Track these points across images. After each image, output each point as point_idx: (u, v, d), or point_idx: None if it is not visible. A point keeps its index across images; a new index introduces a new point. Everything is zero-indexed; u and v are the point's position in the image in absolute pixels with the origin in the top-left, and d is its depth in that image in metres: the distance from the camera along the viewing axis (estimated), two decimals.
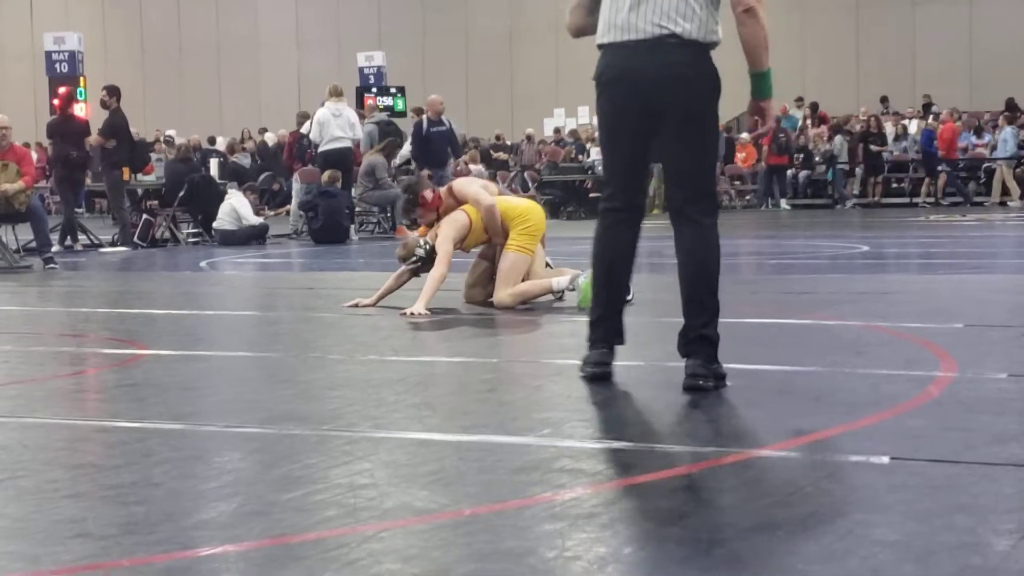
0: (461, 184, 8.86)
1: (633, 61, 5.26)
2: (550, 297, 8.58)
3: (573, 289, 8.22)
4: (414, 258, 8.49)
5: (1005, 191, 24.75)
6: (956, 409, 4.60)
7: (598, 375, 5.28)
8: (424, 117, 18.59)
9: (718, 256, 5.24)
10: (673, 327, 7.52)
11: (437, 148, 18.65)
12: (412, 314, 7.99)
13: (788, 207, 26.01)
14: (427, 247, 8.45)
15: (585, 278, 8.08)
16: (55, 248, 16.28)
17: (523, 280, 8.44)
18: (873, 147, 25.82)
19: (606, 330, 5.35)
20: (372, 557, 2.98)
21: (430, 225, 8.73)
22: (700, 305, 5.17)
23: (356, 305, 8.57)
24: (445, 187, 8.86)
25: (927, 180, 25.51)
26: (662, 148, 5.30)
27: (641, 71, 5.24)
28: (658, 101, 5.20)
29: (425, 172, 11.42)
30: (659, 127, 5.23)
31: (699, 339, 5.11)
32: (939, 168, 25.24)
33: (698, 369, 5.03)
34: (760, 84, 5.46)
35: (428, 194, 8.62)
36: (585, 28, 5.59)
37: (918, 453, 3.87)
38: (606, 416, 4.72)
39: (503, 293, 8.33)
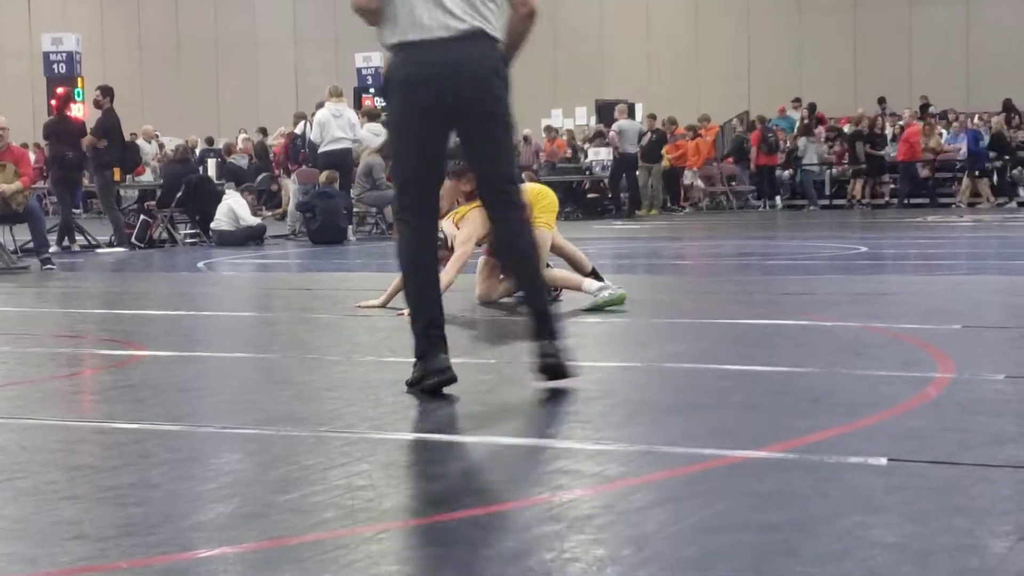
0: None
1: (444, 57, 5.08)
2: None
3: (597, 295, 8.14)
4: None
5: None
6: (954, 410, 4.61)
7: (449, 379, 5.11)
8: None
9: (533, 238, 5.37)
10: (670, 328, 7.56)
11: None
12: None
13: (781, 206, 26.06)
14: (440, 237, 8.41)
15: (612, 292, 8.06)
16: (53, 249, 16.28)
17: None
18: (873, 149, 25.65)
19: (437, 335, 5.19)
20: (370, 559, 2.98)
21: (457, 199, 8.81)
22: (533, 286, 5.28)
23: (367, 306, 8.54)
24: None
25: (973, 180, 25.17)
26: (472, 146, 5.29)
27: (454, 68, 5.08)
28: (467, 98, 5.11)
29: None
30: (466, 125, 5.19)
31: (541, 317, 5.15)
32: (985, 166, 25.15)
33: (548, 348, 5.08)
34: None
35: (471, 184, 8.66)
36: (374, 15, 5.17)
37: (916, 455, 3.87)
38: (604, 417, 4.72)
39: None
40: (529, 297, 5.32)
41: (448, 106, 5.11)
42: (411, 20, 5.10)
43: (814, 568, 2.83)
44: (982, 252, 13.56)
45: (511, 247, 5.39)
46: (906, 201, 24.93)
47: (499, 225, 5.41)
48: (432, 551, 3.05)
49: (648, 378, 5.69)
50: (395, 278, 8.68)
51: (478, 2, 5.12)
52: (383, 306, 8.52)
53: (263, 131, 30.51)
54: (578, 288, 8.32)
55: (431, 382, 5.10)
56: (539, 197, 8.62)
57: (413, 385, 5.17)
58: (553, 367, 5.06)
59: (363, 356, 6.53)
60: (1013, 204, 24.54)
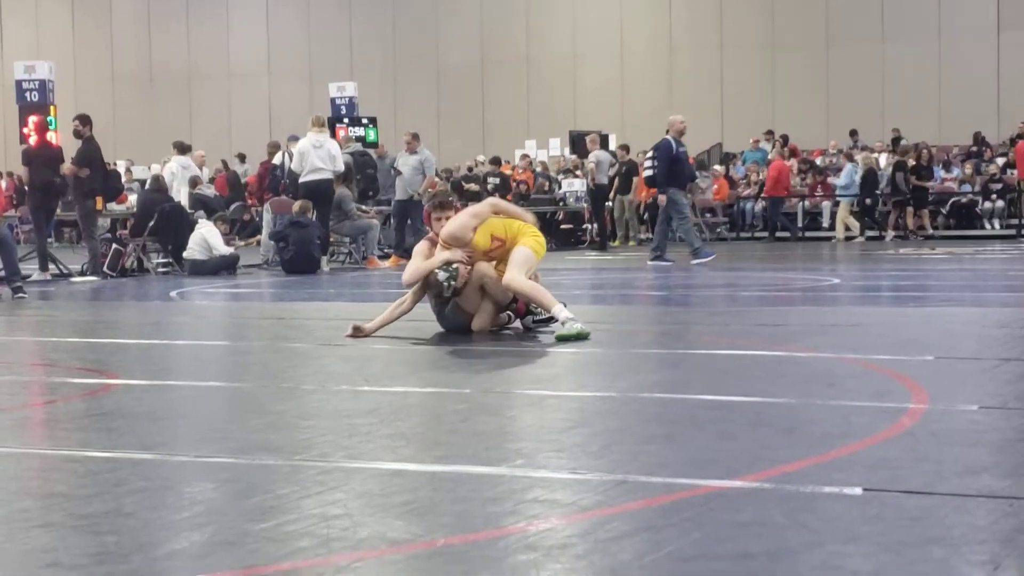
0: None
1: None
2: (519, 326, 8.62)
3: (564, 323, 8.11)
4: (446, 280, 8.41)
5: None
6: (928, 441, 4.62)
7: None
8: (670, 138, 18.04)
9: None
10: (645, 358, 7.56)
11: (687, 168, 18.88)
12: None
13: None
14: (453, 274, 8.38)
15: (580, 326, 8.02)
16: (40, 276, 16.27)
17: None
18: (920, 180, 25.19)
19: None
20: None
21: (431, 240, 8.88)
22: None
23: (359, 330, 8.50)
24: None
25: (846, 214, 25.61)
26: None
27: None
28: None
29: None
30: None
31: None
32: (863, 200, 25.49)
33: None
34: None
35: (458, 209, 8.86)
36: None
37: (891, 484, 3.88)
38: (579, 447, 4.71)
39: (518, 274, 8.36)
40: None
41: None
42: None
43: None
44: (954, 284, 13.63)
45: None
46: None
47: None
48: None
49: (624, 408, 5.69)
50: (387, 307, 8.68)
51: None
52: (370, 334, 8.49)
53: (241, 157, 30.49)
54: (550, 310, 8.28)
55: None
56: (529, 228, 8.73)
57: None
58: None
59: (337, 385, 6.51)
60: (875, 236, 25.19)
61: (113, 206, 18.89)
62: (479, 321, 8.57)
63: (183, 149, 21.19)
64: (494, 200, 9.47)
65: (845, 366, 6.77)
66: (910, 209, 25.23)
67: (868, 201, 25.29)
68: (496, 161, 26.76)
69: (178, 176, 20.27)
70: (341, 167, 18.32)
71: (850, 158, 26.51)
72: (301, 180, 17.80)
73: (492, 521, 3.58)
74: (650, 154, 18.69)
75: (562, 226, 25.34)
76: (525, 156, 29.12)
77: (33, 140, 18.26)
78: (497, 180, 25.41)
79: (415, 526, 3.53)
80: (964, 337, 8.23)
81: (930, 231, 25.27)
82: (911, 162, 25.37)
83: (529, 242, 8.55)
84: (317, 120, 18.34)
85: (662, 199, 18.05)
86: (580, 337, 7.94)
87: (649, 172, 18.49)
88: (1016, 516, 3.51)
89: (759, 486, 3.92)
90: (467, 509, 3.73)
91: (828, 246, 23.79)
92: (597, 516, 3.61)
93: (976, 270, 16.20)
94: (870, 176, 25.51)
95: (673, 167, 17.97)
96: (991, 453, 4.43)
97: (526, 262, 8.45)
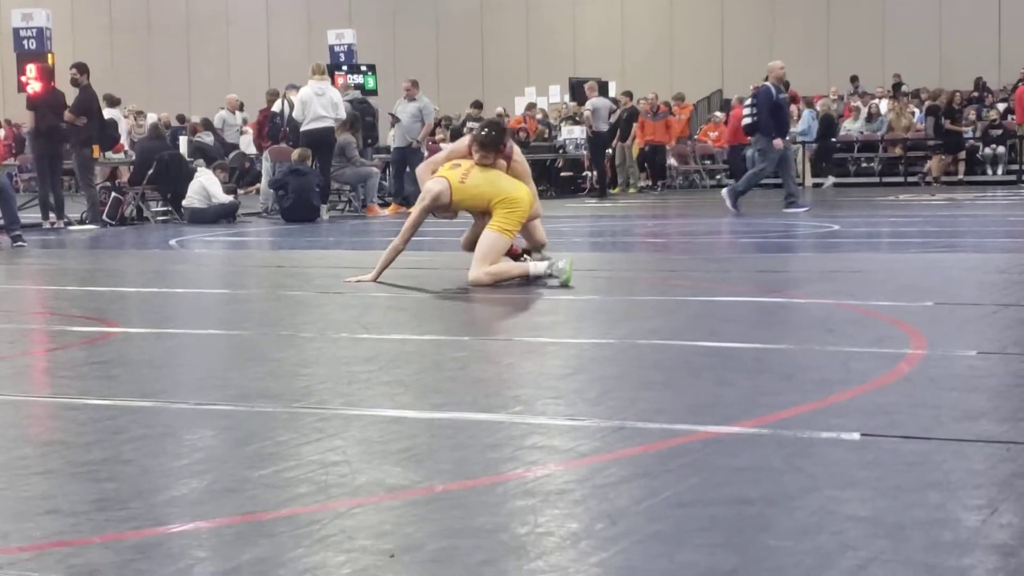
0: (520, 158, 8.93)
1: None
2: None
3: (551, 275, 8.16)
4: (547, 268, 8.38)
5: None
6: (926, 386, 4.63)
7: None
8: (770, 84, 17.46)
9: None
10: (643, 305, 7.56)
11: (787, 116, 18.19)
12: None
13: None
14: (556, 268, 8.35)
15: (565, 263, 8.07)
16: (56, 223, 16.28)
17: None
18: (953, 125, 24.98)
19: None
20: (344, 533, 2.98)
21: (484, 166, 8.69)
22: None
23: (358, 281, 8.50)
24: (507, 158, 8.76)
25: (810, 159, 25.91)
26: None
27: None
28: None
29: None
30: None
31: None
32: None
33: None
34: None
35: (509, 145, 8.63)
36: None
37: (889, 430, 3.89)
38: (577, 393, 4.72)
39: (479, 271, 8.30)
40: None
41: None
42: None
43: (788, 542, 2.83)
44: (954, 230, 13.61)
45: None
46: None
47: None
48: (406, 526, 3.05)
49: (622, 354, 5.69)
50: (382, 253, 8.67)
51: None
52: (374, 281, 8.49)
53: (240, 105, 30.33)
54: (526, 274, 8.27)
55: None
56: (509, 202, 8.46)
57: None
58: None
59: (336, 333, 6.51)
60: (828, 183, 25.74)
61: (109, 154, 18.81)
62: (473, 272, 8.48)
63: (112, 102, 21.04)
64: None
65: (844, 312, 6.77)
66: (937, 156, 25.06)
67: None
68: (478, 105, 26.49)
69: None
70: (343, 115, 18.24)
71: (809, 105, 26.76)
72: (303, 128, 17.72)
73: (490, 467, 3.60)
74: (749, 101, 18.09)
75: (562, 173, 25.28)
76: (533, 105, 28.93)
77: (32, 88, 18.15)
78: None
79: (413, 473, 3.54)
80: (963, 283, 8.23)
81: (960, 176, 25.14)
82: (943, 106, 25.06)
83: (497, 223, 8.43)
84: (318, 68, 18.24)
85: (779, 143, 17.19)
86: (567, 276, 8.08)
87: (748, 120, 17.73)
88: (1013, 461, 3.52)
89: (757, 432, 3.93)
90: (465, 456, 3.74)
91: (818, 192, 23.75)
92: (595, 462, 3.62)
93: (976, 216, 16.18)
94: (827, 122, 25.57)
95: (773, 114, 17.28)
96: (989, 398, 4.44)
97: (491, 251, 8.37)
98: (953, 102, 25.26)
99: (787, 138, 17.82)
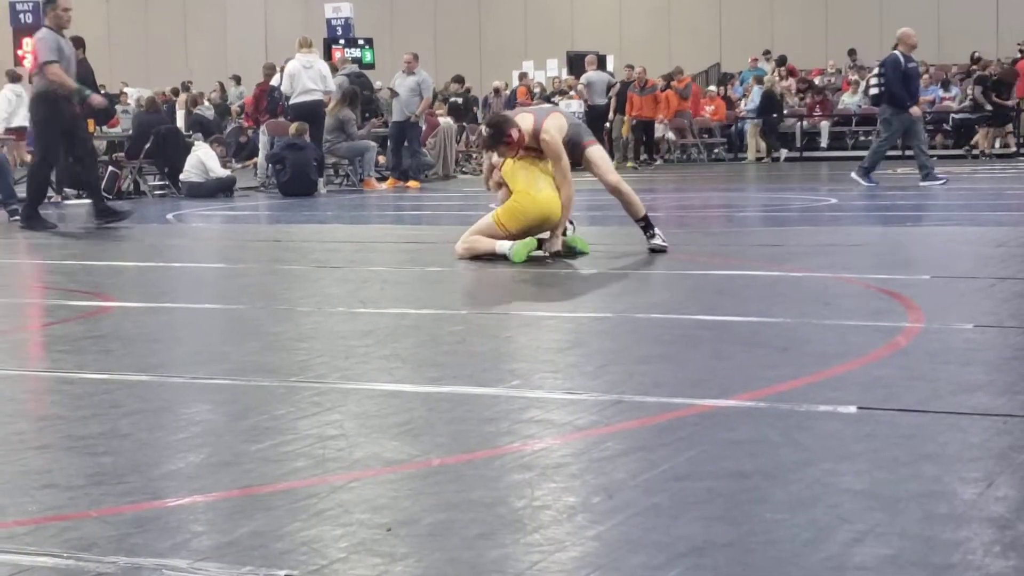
0: (551, 139, 8.45)
1: None
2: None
3: (505, 255, 8.13)
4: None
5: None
6: (923, 359, 4.63)
7: None
8: (899, 52, 16.44)
9: None
10: (641, 279, 7.57)
11: (916, 86, 17.16)
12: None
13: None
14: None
15: (521, 243, 8.05)
16: (54, 197, 16.22)
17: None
18: (1000, 98, 24.50)
19: None
20: (341, 507, 2.98)
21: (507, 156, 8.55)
22: None
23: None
24: (532, 130, 8.41)
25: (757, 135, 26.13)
26: None
27: None
28: None
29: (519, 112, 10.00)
30: None
31: None
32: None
33: None
34: None
35: (515, 133, 8.40)
36: None
37: (885, 403, 3.89)
38: (575, 367, 4.72)
39: (459, 242, 8.34)
40: None
41: None
42: None
43: (784, 515, 2.84)
44: (951, 204, 13.60)
45: None
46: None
47: None
48: (403, 500, 3.05)
49: (619, 328, 5.69)
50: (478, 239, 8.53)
51: None
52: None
53: (237, 79, 30.29)
54: (493, 251, 8.20)
55: None
56: (522, 200, 8.35)
57: None
58: None
59: (334, 307, 6.51)
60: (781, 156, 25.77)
61: (105, 129, 18.75)
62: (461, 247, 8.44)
63: (14, 78, 20.92)
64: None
65: (841, 285, 6.77)
66: (984, 128, 24.81)
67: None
68: (459, 80, 26.32)
69: (12, 103, 19.90)
70: (332, 87, 18.21)
71: (759, 82, 26.87)
72: (292, 102, 17.71)
73: (488, 441, 3.60)
74: (876, 70, 17.05)
75: None
76: (524, 75, 28.81)
77: (28, 62, 18.07)
78: (460, 100, 25.11)
79: (411, 446, 3.54)
80: (960, 256, 8.23)
81: (1013, 148, 24.87)
82: (992, 78, 24.69)
83: (501, 211, 8.37)
84: (304, 41, 18.21)
85: (916, 111, 16.26)
86: (528, 248, 8.11)
87: (875, 90, 16.82)
88: (1010, 434, 3.52)
89: (754, 405, 3.93)
90: (463, 429, 3.74)
91: (794, 165, 23.74)
92: (592, 436, 3.63)
93: (973, 189, 16.16)
94: (768, 98, 25.68)
95: (903, 83, 16.26)
96: (986, 371, 4.44)
97: (484, 226, 8.36)
98: (1005, 76, 24.82)
99: (911, 107, 16.45)
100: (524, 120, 8.45)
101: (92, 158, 13.27)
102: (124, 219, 12.36)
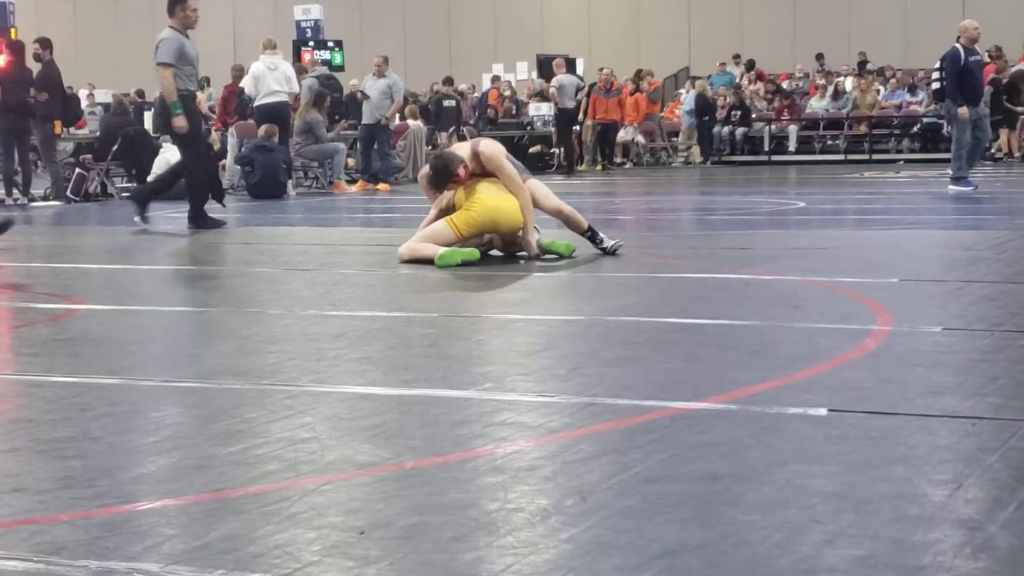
0: (490, 152, 8.64)
1: None
2: (498, 253, 8.59)
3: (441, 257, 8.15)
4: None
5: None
6: (892, 362, 4.65)
7: None
8: (959, 46, 15.55)
9: None
10: (612, 282, 7.58)
11: (977, 81, 15.92)
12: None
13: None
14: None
15: (459, 250, 8.08)
16: (20, 199, 16.07)
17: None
18: (1010, 103, 24.19)
19: None
20: (314, 510, 2.98)
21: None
22: None
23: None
24: (471, 153, 8.59)
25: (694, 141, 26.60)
26: None
27: None
28: None
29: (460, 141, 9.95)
30: None
31: None
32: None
33: None
34: None
35: (461, 170, 8.43)
36: None
37: (855, 405, 3.91)
38: (547, 370, 4.73)
39: (404, 245, 8.42)
40: None
41: None
42: None
43: (756, 516, 2.85)
44: (919, 207, 13.68)
45: None
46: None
47: None
48: (376, 503, 3.05)
49: (590, 331, 5.70)
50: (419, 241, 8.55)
51: None
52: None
53: (206, 80, 30.12)
54: (432, 257, 8.22)
55: None
56: (472, 206, 8.40)
57: None
58: None
59: (304, 310, 6.49)
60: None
61: (72, 130, 18.66)
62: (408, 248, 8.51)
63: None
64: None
65: (810, 289, 6.80)
66: (1005, 130, 24.54)
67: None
68: (449, 81, 26.32)
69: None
70: (296, 88, 18.15)
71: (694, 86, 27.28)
72: (257, 103, 17.64)
73: (460, 444, 3.60)
74: (937, 64, 16.21)
75: (530, 150, 25.23)
76: (497, 79, 28.83)
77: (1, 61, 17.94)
78: (453, 103, 25.15)
79: (383, 449, 3.54)
80: (928, 260, 8.28)
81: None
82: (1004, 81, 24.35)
83: (452, 218, 8.40)
84: (269, 43, 18.13)
85: (963, 112, 15.39)
86: (462, 256, 8.11)
87: (936, 85, 16.10)
88: (978, 436, 3.55)
89: (725, 407, 3.94)
90: (435, 432, 3.74)
91: (795, 169, 23.84)
92: (565, 438, 3.63)
93: (940, 193, 16.25)
94: (700, 101, 25.86)
95: (962, 79, 15.42)
96: (954, 374, 4.47)
97: (433, 233, 8.39)
98: (1019, 80, 24.58)
99: (976, 104, 15.67)
100: (462, 150, 8.70)
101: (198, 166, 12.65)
102: (220, 227, 12.09)
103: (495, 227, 8.44)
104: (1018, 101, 24.62)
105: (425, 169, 8.86)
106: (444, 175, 8.48)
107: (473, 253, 8.18)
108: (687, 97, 26.82)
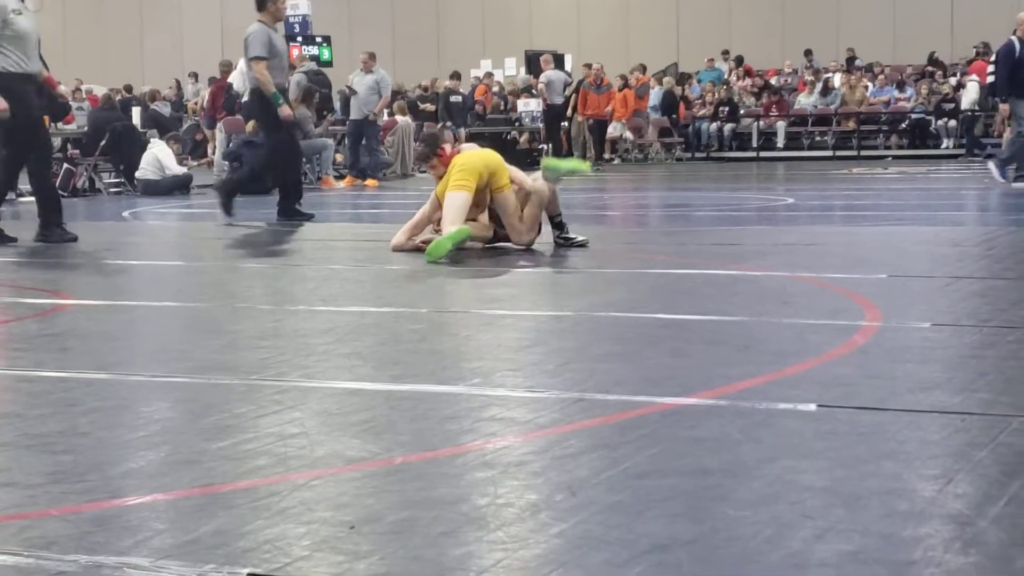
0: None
1: None
2: (478, 245, 8.59)
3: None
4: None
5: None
6: (881, 358, 4.66)
7: None
8: (1015, 39, 15.13)
9: None
10: (601, 278, 7.58)
11: None
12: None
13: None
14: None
15: (445, 237, 8.10)
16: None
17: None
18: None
19: None
20: (303, 505, 2.97)
21: (439, 178, 8.65)
22: None
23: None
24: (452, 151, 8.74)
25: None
26: None
27: None
28: None
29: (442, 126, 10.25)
30: None
31: None
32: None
33: None
34: None
35: (447, 147, 8.54)
36: None
37: (845, 401, 3.92)
38: (536, 365, 4.72)
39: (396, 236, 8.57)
40: None
41: None
42: None
43: (746, 512, 2.85)
44: (907, 203, 13.70)
45: None
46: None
47: None
48: (366, 498, 3.05)
49: (579, 327, 5.70)
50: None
51: None
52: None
53: (194, 76, 30.11)
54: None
55: None
56: (456, 169, 8.46)
57: None
58: None
59: (294, 305, 6.49)
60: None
61: (61, 126, 18.61)
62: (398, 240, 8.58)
63: None
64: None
65: (799, 284, 6.80)
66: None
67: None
68: (456, 76, 26.30)
69: None
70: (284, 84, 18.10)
71: (659, 82, 27.54)
72: (245, 99, 17.58)
73: (450, 439, 3.60)
74: (993, 57, 16.02)
75: (518, 146, 25.23)
76: (489, 75, 28.82)
77: None
78: (459, 99, 25.11)
79: (372, 444, 3.53)
80: (917, 255, 8.29)
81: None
82: None
83: (451, 186, 8.45)
84: None
85: (1004, 108, 15.29)
86: (459, 238, 8.12)
87: (992, 78, 15.81)
88: (967, 431, 3.55)
89: (715, 403, 3.95)
90: (425, 427, 3.73)
91: (781, 166, 23.86)
92: (554, 434, 3.63)
93: (929, 189, 16.28)
94: (668, 98, 25.91)
95: (1016, 72, 14.99)
96: (943, 369, 4.48)
97: (450, 208, 8.39)
98: None
99: None
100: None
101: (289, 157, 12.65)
102: (310, 219, 12.08)
103: (487, 166, 8.52)
104: None
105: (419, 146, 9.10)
106: (431, 143, 8.69)
107: (463, 231, 8.15)
108: (653, 93, 26.83)
